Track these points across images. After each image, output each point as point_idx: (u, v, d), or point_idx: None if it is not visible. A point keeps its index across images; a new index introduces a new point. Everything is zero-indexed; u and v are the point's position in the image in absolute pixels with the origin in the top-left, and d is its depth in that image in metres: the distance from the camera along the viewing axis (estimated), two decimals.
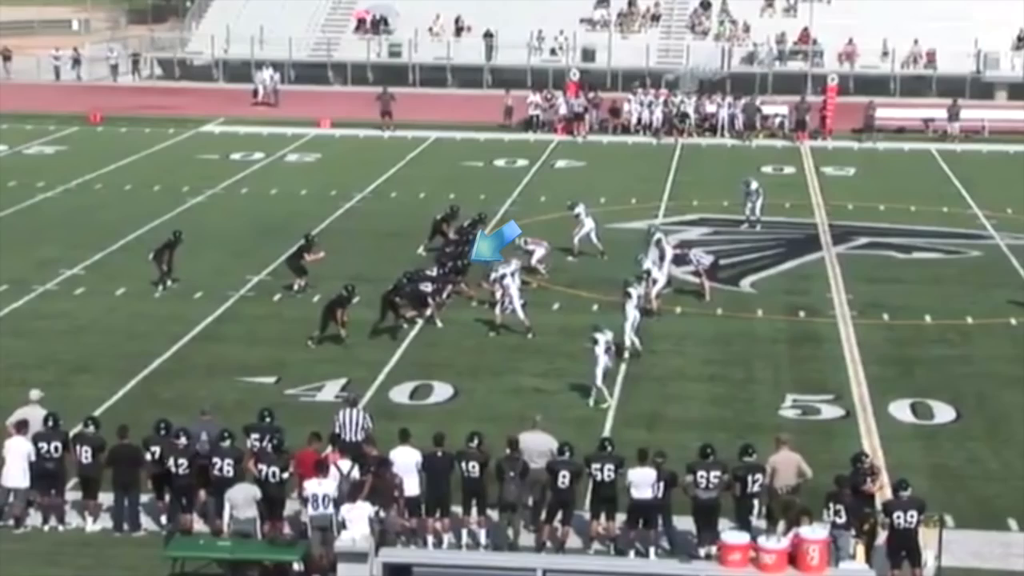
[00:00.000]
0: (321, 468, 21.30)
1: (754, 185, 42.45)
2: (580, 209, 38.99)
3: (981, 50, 68.60)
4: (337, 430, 23.09)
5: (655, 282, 33.74)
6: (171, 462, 21.96)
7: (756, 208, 42.28)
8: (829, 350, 31.63)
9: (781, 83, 67.45)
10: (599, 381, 27.88)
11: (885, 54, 69.37)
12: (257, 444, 22.40)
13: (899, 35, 68.92)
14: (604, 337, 27.96)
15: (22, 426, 22.80)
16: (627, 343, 30.13)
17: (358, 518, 20.17)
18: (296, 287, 35.29)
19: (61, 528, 22.59)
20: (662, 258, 34.93)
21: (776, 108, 59.87)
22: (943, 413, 27.76)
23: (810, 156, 54.58)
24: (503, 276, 32.89)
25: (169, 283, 35.44)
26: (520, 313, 32.31)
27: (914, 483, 21.03)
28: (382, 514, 20.79)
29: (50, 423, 22.77)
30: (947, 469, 25.04)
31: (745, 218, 42.23)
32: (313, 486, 21.09)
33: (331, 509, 20.85)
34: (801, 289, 36.29)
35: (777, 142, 57.50)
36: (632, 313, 30.55)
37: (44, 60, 75.50)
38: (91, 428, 22.87)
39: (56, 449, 22.48)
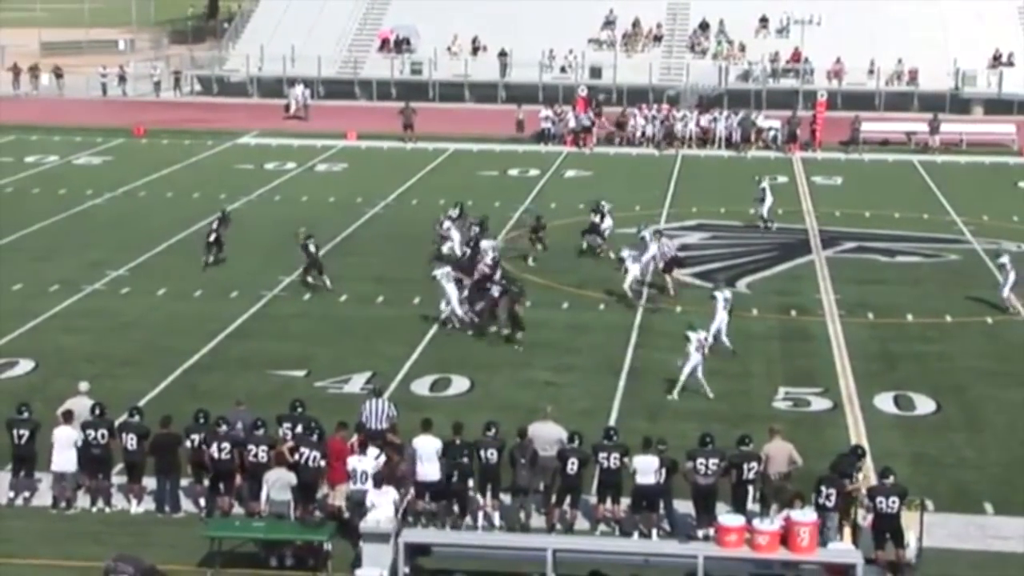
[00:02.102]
0: (362, 448, 21.52)
1: (761, 185, 43.07)
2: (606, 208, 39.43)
3: (959, 68, 68.41)
4: (363, 419, 23.09)
5: (626, 272, 33.91)
6: (214, 447, 21.97)
7: (763, 210, 42.50)
8: (818, 346, 31.57)
9: (774, 99, 67.33)
10: (685, 376, 27.70)
11: (871, 72, 69.22)
12: (289, 432, 22.38)
13: (884, 55, 68.82)
14: (697, 336, 27.88)
15: (68, 415, 22.85)
16: (723, 341, 30.09)
17: (384, 502, 20.19)
18: (310, 280, 35.42)
19: (108, 510, 22.64)
20: (642, 253, 35.14)
21: (770, 122, 59.73)
22: (924, 405, 27.71)
23: (801, 166, 54.47)
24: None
25: (214, 259, 36.50)
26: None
27: (897, 470, 21.00)
28: (408, 497, 20.85)
29: (97, 412, 22.82)
30: (928, 457, 24.99)
31: (762, 220, 42.69)
32: (354, 462, 21.22)
33: (369, 484, 20.90)
34: (793, 290, 36.23)
35: (770, 153, 57.39)
36: (720, 315, 30.31)
37: (92, 78, 75.64)
38: (136, 417, 22.93)
39: (103, 436, 22.53)
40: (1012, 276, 33.91)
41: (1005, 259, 34.67)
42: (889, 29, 70.72)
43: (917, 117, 62.23)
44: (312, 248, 35.70)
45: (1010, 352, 31.14)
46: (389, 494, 20.32)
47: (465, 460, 21.67)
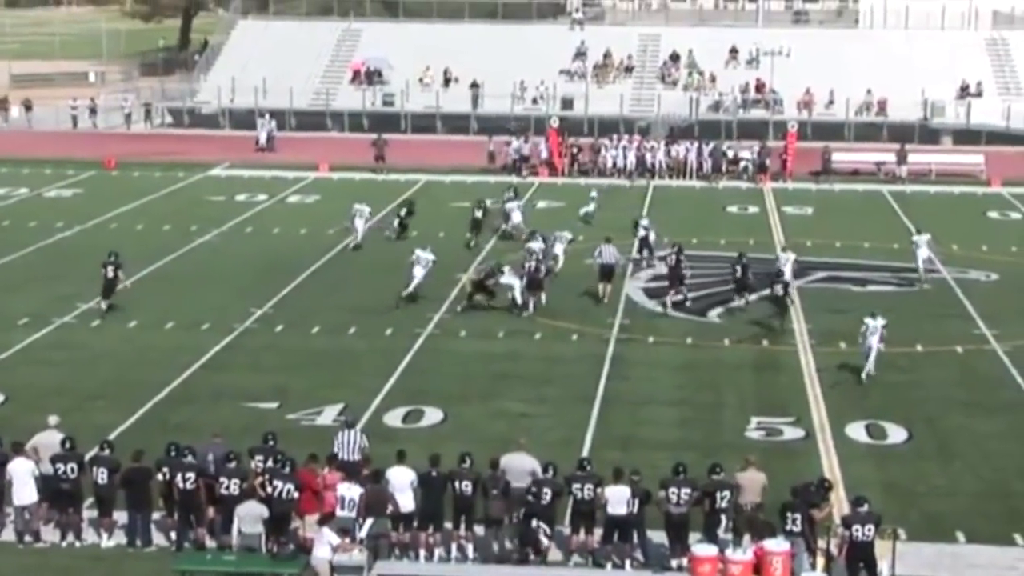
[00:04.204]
0: (346, 478, 21.65)
1: (592, 193, 49.67)
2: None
3: (928, 99, 69.00)
4: (336, 450, 23.04)
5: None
6: (178, 477, 21.90)
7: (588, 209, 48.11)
8: (790, 376, 31.66)
9: (745, 129, 67.67)
10: (870, 364, 30.56)
11: (830, 102, 69.71)
12: (261, 465, 22.31)
13: (853, 85, 69.32)
14: (876, 323, 30.77)
15: (19, 447, 22.69)
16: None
17: (320, 540, 20.23)
18: (105, 307, 35.85)
19: (78, 544, 22.47)
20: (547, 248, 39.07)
21: (740, 152, 60.02)
22: (896, 434, 27.80)
23: (772, 197, 54.73)
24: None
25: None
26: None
27: (869, 499, 21.03)
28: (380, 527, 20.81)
29: (67, 446, 22.68)
30: (899, 486, 25.04)
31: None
32: (343, 489, 21.23)
33: (355, 512, 20.85)
34: (765, 319, 36.30)
35: (742, 184, 57.65)
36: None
37: (63, 109, 75.51)
38: (106, 451, 22.83)
39: (72, 470, 22.38)
40: (921, 254, 39.48)
41: (919, 238, 40.18)
42: (858, 60, 71.33)
43: (887, 148, 62.56)
44: (110, 273, 35.96)
45: (980, 381, 31.31)
46: (324, 534, 20.29)
47: (531, 499, 21.54)
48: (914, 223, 47.84)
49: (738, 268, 37.18)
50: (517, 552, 21.67)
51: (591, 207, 48.75)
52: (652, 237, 42.54)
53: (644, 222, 43.10)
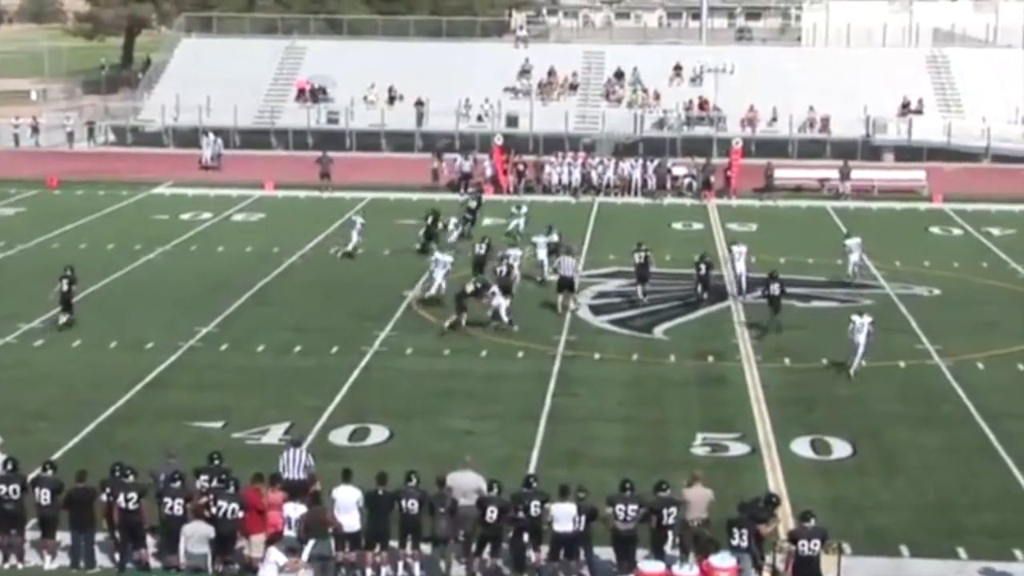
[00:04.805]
0: (292, 498, 21.62)
1: (523, 210, 49.10)
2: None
3: (870, 116, 69.62)
4: (280, 468, 22.96)
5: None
6: (120, 498, 21.74)
7: (514, 225, 48.12)
8: (736, 392, 31.81)
9: (689, 146, 68.00)
10: (858, 359, 32.11)
11: (774, 120, 70.23)
12: (207, 484, 22.20)
13: (796, 102, 69.87)
14: (863, 320, 32.40)
15: None
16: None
17: (268, 560, 20.18)
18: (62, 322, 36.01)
19: (20, 566, 22.26)
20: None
21: (685, 169, 60.32)
22: (840, 449, 27.98)
23: (716, 213, 55.03)
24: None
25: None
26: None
27: (815, 514, 21.16)
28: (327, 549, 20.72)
29: (9, 466, 22.47)
30: (844, 500, 25.20)
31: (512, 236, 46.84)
32: (289, 509, 21.22)
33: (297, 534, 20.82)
34: (710, 335, 36.51)
35: (686, 200, 57.93)
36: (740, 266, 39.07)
37: (4, 128, 74.86)
38: (49, 471, 22.61)
39: (15, 491, 22.18)
40: (853, 257, 41.78)
41: (850, 242, 42.34)
42: (801, 77, 71.91)
43: (830, 164, 63.10)
44: (64, 286, 36.00)
45: (923, 395, 31.58)
46: (271, 553, 20.23)
47: (521, 515, 21.58)
48: (848, 229, 48.28)
49: (702, 266, 39.17)
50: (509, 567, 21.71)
51: (519, 222, 48.60)
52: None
53: (555, 232, 43.17)
